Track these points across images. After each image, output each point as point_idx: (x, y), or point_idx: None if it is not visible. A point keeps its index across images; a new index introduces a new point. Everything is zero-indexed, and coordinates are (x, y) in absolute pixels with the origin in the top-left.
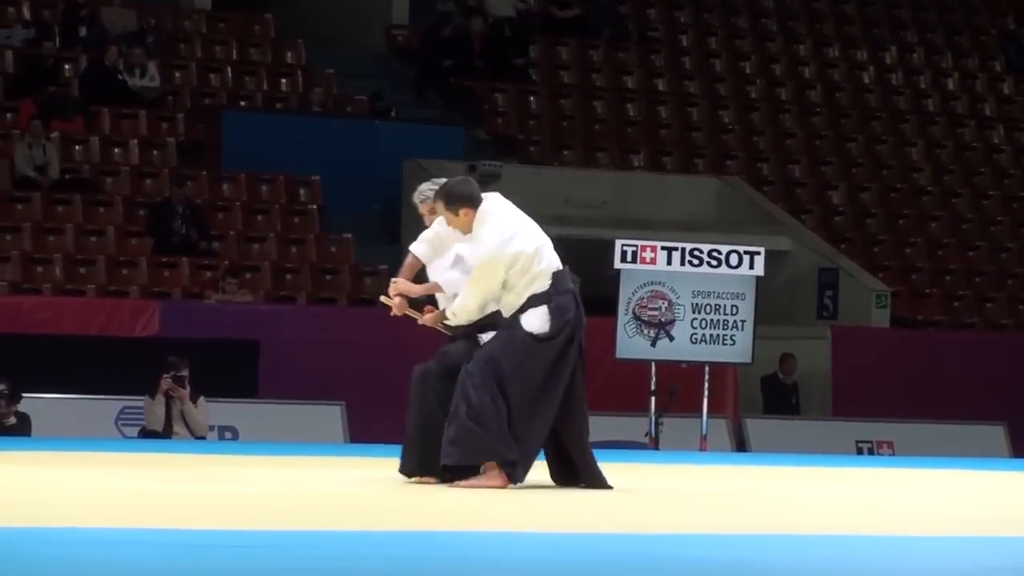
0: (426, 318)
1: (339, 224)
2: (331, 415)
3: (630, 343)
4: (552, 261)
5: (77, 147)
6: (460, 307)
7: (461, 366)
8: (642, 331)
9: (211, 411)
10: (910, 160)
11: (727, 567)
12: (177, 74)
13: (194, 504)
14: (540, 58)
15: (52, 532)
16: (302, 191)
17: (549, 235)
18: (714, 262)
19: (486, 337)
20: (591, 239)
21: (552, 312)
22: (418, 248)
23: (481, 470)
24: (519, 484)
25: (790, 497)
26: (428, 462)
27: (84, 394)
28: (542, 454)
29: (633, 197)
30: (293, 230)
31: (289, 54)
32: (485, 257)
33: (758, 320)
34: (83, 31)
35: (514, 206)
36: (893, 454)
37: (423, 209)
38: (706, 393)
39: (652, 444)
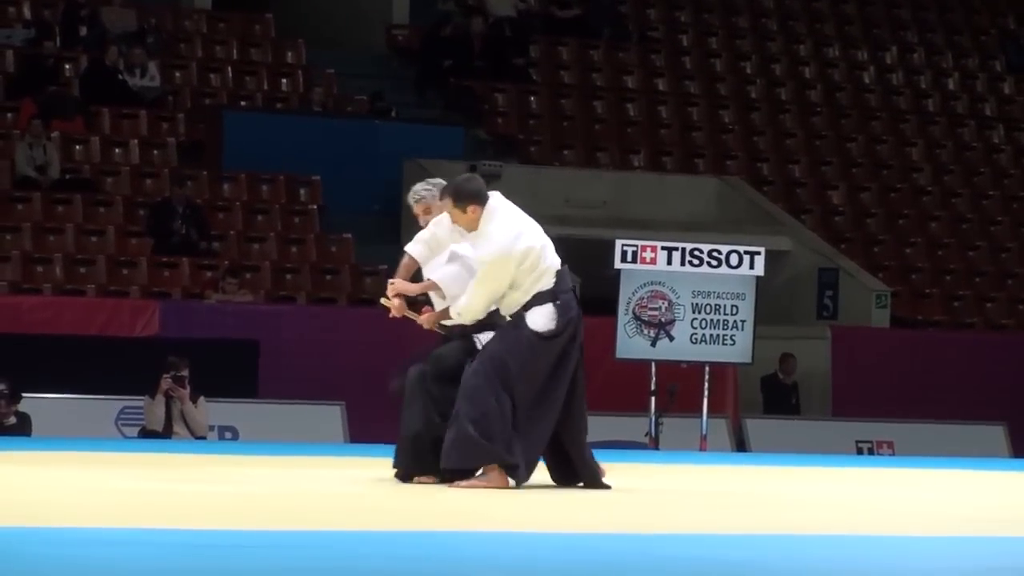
0: (424, 318)
1: (339, 224)
2: (331, 415)
3: (630, 343)
4: (554, 260)
5: (77, 147)
6: (466, 306)
7: (456, 368)
8: (642, 331)
9: (211, 411)
10: (910, 160)
11: (727, 567)
12: (177, 74)
13: (194, 504)
14: (540, 58)
15: (52, 532)
16: (302, 191)
17: (549, 235)
18: (714, 262)
19: (484, 337)
20: (591, 239)
21: (558, 309)
22: (414, 248)
23: (482, 470)
24: (521, 485)
25: (790, 497)
26: (424, 463)
27: (84, 394)
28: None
29: (633, 197)
30: (293, 230)
31: (289, 54)
32: (496, 254)
33: (758, 320)
34: (83, 31)
35: (515, 205)
36: (893, 454)
37: (418, 209)
38: (706, 393)
39: (652, 444)
